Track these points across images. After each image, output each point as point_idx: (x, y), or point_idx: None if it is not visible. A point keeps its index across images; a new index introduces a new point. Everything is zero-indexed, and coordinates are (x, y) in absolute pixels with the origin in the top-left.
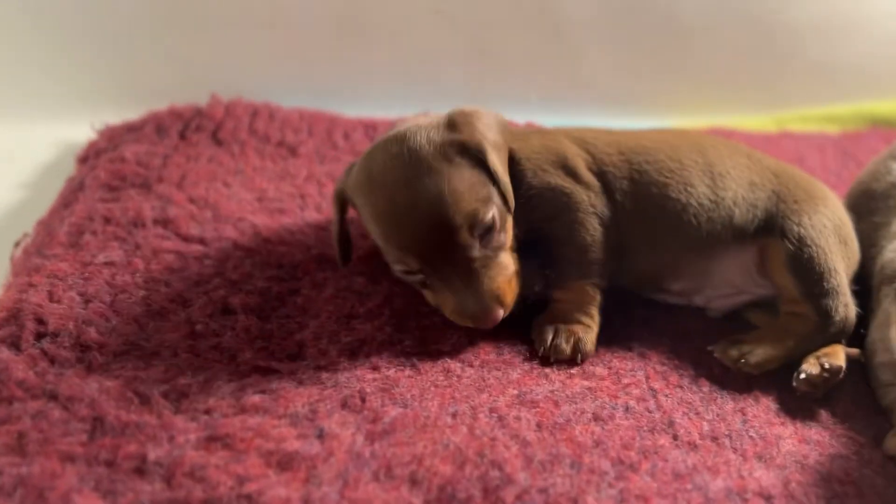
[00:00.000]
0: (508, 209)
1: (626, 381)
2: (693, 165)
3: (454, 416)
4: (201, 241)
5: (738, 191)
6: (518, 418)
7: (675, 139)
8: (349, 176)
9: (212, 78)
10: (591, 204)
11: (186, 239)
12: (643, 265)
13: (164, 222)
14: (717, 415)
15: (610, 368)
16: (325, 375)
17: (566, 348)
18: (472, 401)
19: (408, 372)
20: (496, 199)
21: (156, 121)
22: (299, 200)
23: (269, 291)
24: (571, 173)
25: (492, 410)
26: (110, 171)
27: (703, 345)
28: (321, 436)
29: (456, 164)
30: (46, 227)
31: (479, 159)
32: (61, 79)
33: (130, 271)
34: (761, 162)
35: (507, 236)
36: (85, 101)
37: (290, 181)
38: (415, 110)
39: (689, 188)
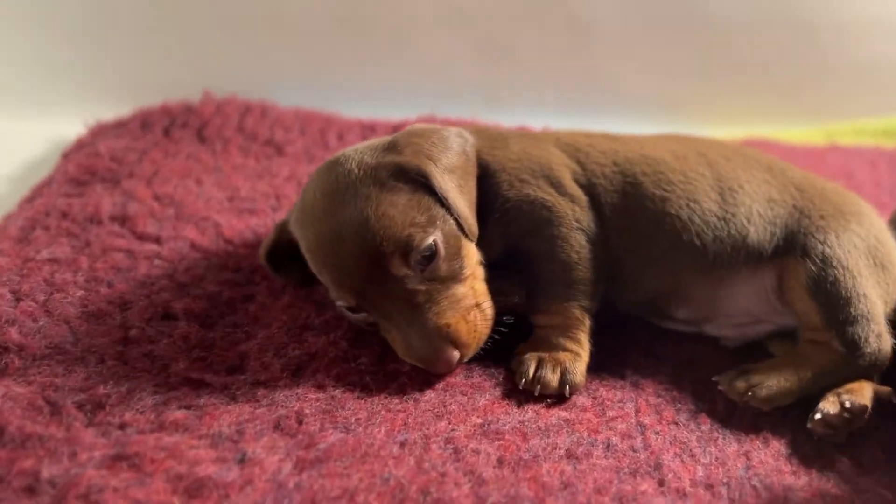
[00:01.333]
0: (466, 234)
1: (611, 413)
2: (698, 178)
3: (402, 445)
4: (157, 240)
5: (754, 207)
6: (476, 451)
7: (683, 148)
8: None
9: (213, 76)
10: (575, 219)
11: (141, 237)
12: (640, 289)
13: (122, 219)
14: (716, 458)
15: (595, 398)
16: (261, 392)
17: (552, 379)
18: (426, 429)
19: (357, 393)
20: (446, 224)
21: (143, 117)
22: (273, 201)
23: (219, 296)
24: (555, 184)
25: (447, 441)
26: (81, 165)
27: (709, 375)
28: (242, 461)
29: (388, 188)
30: (7, 222)
31: (421, 182)
32: (58, 76)
33: (73, 269)
34: (784, 174)
35: (466, 263)
36: (82, 98)
37: (269, 180)
38: (423, 111)
39: (691, 204)
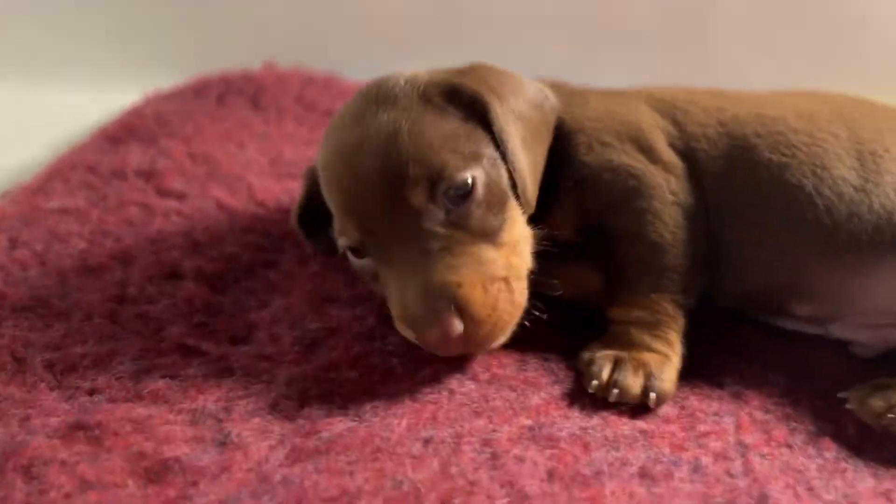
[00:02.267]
0: (518, 196)
1: (702, 427)
2: (830, 140)
3: (426, 443)
4: (180, 196)
5: None
6: (521, 459)
7: (812, 104)
8: None
9: (280, 49)
10: (670, 191)
11: (163, 193)
12: (749, 279)
13: (148, 174)
14: (844, 495)
15: (682, 408)
16: (263, 366)
17: (633, 384)
18: (459, 426)
19: (379, 377)
20: (495, 169)
21: (199, 84)
22: None
23: (238, 259)
24: (644, 148)
25: (485, 443)
26: (121, 123)
27: (835, 389)
28: (224, 443)
29: (435, 107)
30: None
31: (478, 115)
32: (122, 46)
33: (81, 221)
34: None
35: (506, 227)
36: (146, 69)
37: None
38: None
39: (819, 171)
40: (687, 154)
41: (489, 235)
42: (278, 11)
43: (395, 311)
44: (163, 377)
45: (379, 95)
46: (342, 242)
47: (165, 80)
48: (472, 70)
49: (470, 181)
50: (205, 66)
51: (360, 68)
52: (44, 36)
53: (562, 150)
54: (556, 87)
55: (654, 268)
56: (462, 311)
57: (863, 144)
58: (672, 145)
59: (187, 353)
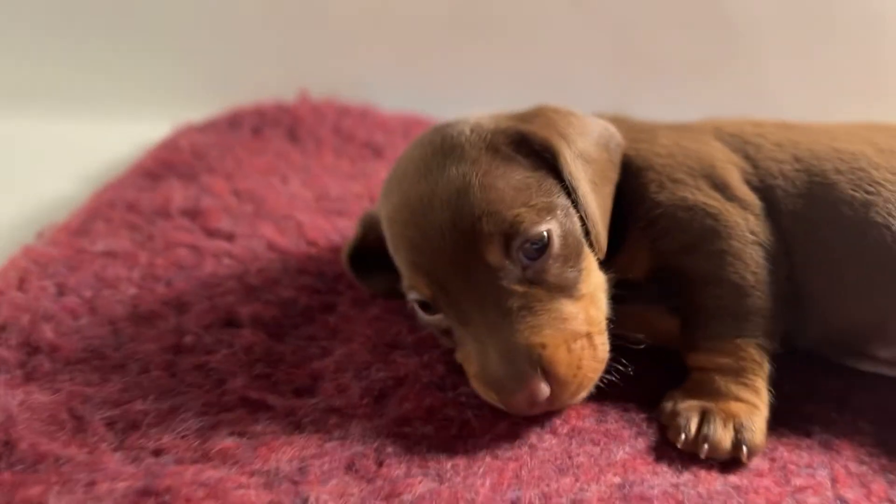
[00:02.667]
0: (592, 244)
1: (797, 482)
2: None
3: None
4: (229, 237)
5: None
6: None
7: (886, 139)
8: None
9: (313, 78)
10: (749, 230)
11: (211, 233)
12: (832, 322)
13: (194, 214)
14: None
15: (773, 461)
16: (333, 421)
17: (724, 438)
18: (545, 485)
19: (455, 431)
20: (568, 219)
21: (233, 115)
22: (367, 203)
23: (295, 304)
24: (719, 186)
25: (575, 503)
26: (158, 159)
27: None
28: None
29: (504, 157)
30: (72, 217)
31: (547, 162)
32: (151, 78)
33: (129, 265)
34: None
35: (584, 277)
36: (175, 101)
37: (364, 181)
38: None
39: None
40: (763, 191)
41: (567, 289)
42: (309, 41)
43: (472, 371)
44: (230, 434)
45: (444, 146)
46: (412, 297)
47: (194, 111)
48: (539, 114)
49: (546, 235)
50: (232, 96)
51: (392, 96)
52: (69, 66)
53: (630, 188)
54: (619, 122)
55: (737, 311)
56: (547, 373)
57: None
58: (747, 182)
59: (253, 408)
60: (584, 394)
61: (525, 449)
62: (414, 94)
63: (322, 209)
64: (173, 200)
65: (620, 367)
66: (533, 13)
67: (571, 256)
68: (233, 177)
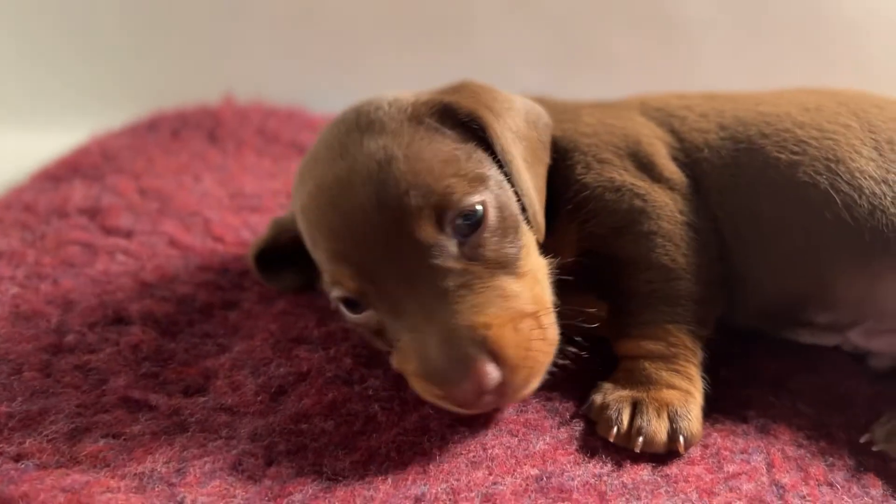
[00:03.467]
0: (529, 220)
1: (731, 468)
2: (841, 132)
3: (417, 501)
4: (128, 234)
5: None
6: None
7: (815, 99)
8: None
9: (242, 82)
10: (679, 210)
11: (109, 231)
12: (769, 293)
13: (93, 212)
14: None
15: (706, 447)
16: (222, 420)
17: (659, 429)
18: (454, 479)
19: (359, 426)
20: (503, 190)
21: (154, 119)
22: (283, 199)
23: (192, 300)
24: (645, 165)
25: (486, 498)
26: (64, 161)
27: (868, 418)
28: None
29: (429, 128)
30: None
31: (476, 134)
32: (77, 85)
33: (14, 263)
34: None
35: (524, 253)
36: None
37: (283, 178)
38: None
39: (833, 165)
40: (690, 166)
41: (508, 266)
42: (237, 44)
43: (412, 369)
44: (104, 436)
45: (360, 122)
46: (336, 294)
47: (119, 119)
48: (462, 87)
49: (480, 206)
50: (162, 103)
51: (324, 100)
52: None
53: (557, 170)
54: (543, 102)
55: (668, 295)
56: (495, 355)
57: (877, 133)
58: (674, 158)
59: (133, 408)
60: (536, 381)
61: (436, 442)
62: (347, 97)
63: (234, 206)
64: (72, 200)
65: (572, 351)
66: (469, 12)
67: (509, 231)
68: (141, 176)
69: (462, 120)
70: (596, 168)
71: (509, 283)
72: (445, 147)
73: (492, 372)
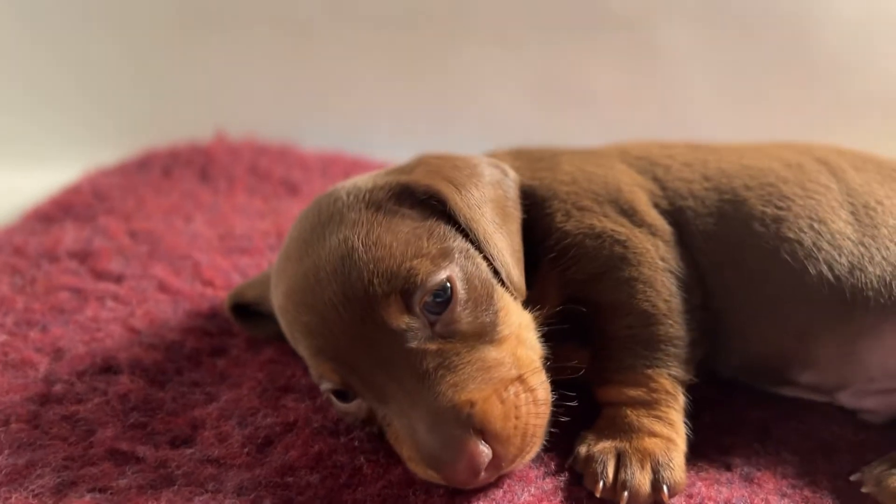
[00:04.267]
0: (504, 282)
1: None
2: (822, 192)
3: None
4: (118, 278)
5: None
6: None
7: (795, 155)
8: None
9: (234, 119)
10: (660, 257)
11: (99, 276)
12: (750, 347)
13: (83, 256)
14: None
15: (691, 497)
16: (208, 473)
17: (642, 481)
18: None
19: (344, 478)
20: (470, 261)
21: (145, 157)
22: (273, 240)
23: (180, 347)
24: (626, 211)
25: None
26: (55, 201)
27: (852, 465)
28: None
29: (387, 212)
30: None
31: (437, 210)
32: (68, 123)
33: (4, 310)
34: None
35: (501, 319)
36: (94, 145)
37: (273, 218)
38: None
39: (816, 224)
40: (673, 214)
41: (486, 334)
42: (229, 82)
43: (406, 453)
44: (90, 490)
45: (322, 216)
46: (325, 387)
47: (111, 155)
48: (420, 163)
49: (446, 282)
50: (154, 140)
51: (316, 135)
52: None
53: (536, 220)
54: (519, 153)
55: (649, 340)
56: (483, 432)
57: (854, 197)
58: (656, 205)
59: (121, 461)
60: (536, 445)
61: (420, 495)
62: (338, 133)
63: (225, 248)
64: (62, 243)
65: (568, 405)
66: (456, 48)
67: (482, 300)
68: (132, 217)
69: (420, 198)
70: (576, 216)
71: (489, 353)
72: (405, 228)
73: (482, 450)
